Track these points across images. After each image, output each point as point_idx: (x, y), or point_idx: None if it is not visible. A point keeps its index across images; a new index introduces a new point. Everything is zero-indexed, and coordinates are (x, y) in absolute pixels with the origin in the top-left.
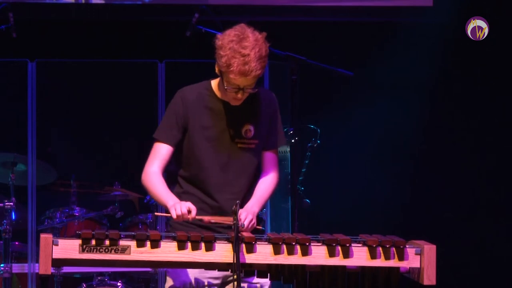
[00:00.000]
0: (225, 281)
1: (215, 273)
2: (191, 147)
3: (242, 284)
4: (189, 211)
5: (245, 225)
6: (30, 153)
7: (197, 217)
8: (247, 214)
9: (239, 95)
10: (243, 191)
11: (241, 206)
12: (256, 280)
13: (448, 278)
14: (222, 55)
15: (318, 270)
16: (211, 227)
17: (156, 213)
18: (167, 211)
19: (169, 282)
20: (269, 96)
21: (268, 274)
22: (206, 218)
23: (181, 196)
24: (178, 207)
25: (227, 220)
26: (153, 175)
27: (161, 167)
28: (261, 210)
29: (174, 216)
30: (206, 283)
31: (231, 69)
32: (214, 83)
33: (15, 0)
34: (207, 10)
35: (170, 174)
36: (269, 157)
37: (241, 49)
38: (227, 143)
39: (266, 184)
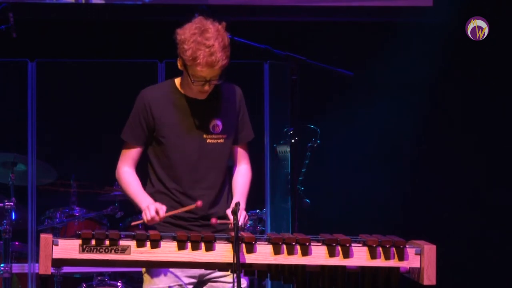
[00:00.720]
0: (201, 280)
1: (191, 271)
2: (160, 146)
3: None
4: (157, 212)
5: (241, 222)
6: (30, 153)
7: (166, 214)
8: (240, 212)
9: (206, 87)
10: (217, 186)
11: (217, 202)
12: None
13: (448, 278)
14: (186, 48)
15: (318, 270)
16: (184, 226)
17: (133, 223)
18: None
19: (146, 281)
20: (233, 90)
21: (268, 274)
22: (172, 212)
23: (154, 195)
24: (147, 211)
25: (190, 207)
26: (125, 174)
27: (131, 166)
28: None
29: (145, 221)
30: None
31: (198, 61)
32: (177, 81)
33: (15, 0)
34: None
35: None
36: (240, 151)
37: (205, 41)
38: (195, 139)
39: (244, 178)
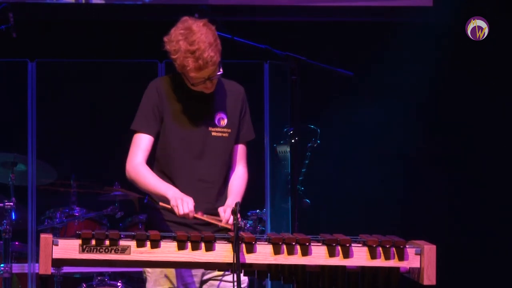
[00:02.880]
0: (203, 279)
1: (194, 270)
2: (166, 137)
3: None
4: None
5: (231, 222)
6: (30, 153)
7: (196, 215)
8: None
9: (208, 84)
10: (219, 181)
11: (220, 196)
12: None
13: (448, 278)
14: (175, 58)
15: (318, 270)
16: (189, 224)
17: (161, 204)
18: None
19: (150, 281)
20: (237, 88)
21: (268, 274)
22: (199, 215)
23: None
24: (180, 204)
25: (218, 221)
26: (140, 166)
27: (145, 158)
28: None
29: (179, 213)
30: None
31: (188, 69)
32: None
33: (15, 0)
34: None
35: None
36: (239, 150)
37: (189, 47)
38: (201, 131)
39: (240, 180)
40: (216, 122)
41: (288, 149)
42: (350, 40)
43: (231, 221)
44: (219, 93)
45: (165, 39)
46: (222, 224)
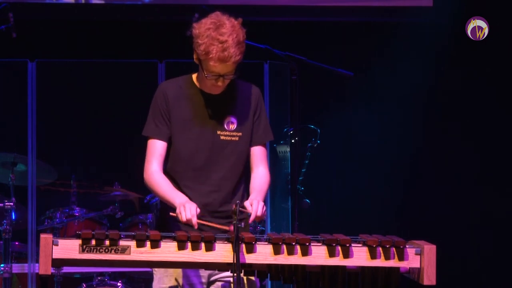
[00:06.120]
0: (210, 280)
1: (201, 271)
2: (174, 141)
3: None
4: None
5: (261, 213)
6: (30, 153)
7: (198, 221)
8: (258, 202)
9: (219, 83)
10: (227, 185)
11: (228, 200)
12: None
13: (448, 278)
14: (200, 43)
15: (318, 270)
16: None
17: (171, 213)
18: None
19: (156, 280)
20: (251, 90)
21: (268, 274)
22: (204, 221)
23: None
24: (183, 211)
25: (224, 227)
26: (155, 174)
27: (160, 164)
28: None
29: (182, 219)
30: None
31: (210, 56)
32: (194, 76)
33: (15, 0)
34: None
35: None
36: (256, 152)
37: (219, 36)
38: (209, 135)
39: (262, 179)
40: (225, 125)
41: (288, 149)
42: (350, 40)
43: (259, 212)
44: (230, 96)
45: (195, 24)
46: (251, 218)
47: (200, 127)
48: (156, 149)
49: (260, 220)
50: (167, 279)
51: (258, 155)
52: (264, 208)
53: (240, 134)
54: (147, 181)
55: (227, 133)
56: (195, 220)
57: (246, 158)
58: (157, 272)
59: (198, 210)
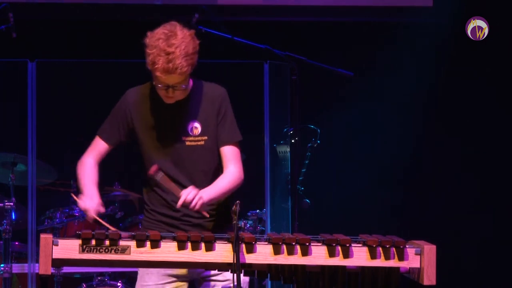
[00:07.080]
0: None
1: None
2: (142, 149)
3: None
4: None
5: (188, 200)
6: (30, 153)
7: (95, 217)
8: (196, 192)
9: (170, 93)
10: (202, 188)
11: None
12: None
13: (448, 278)
14: (149, 53)
15: (318, 270)
16: (177, 225)
17: (72, 194)
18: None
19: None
20: (214, 91)
21: (268, 274)
22: (100, 220)
23: (149, 193)
24: (84, 201)
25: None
26: (87, 165)
27: (96, 159)
28: (216, 200)
29: (79, 206)
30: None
31: (156, 66)
32: None
33: (15, 0)
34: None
35: None
36: (225, 152)
37: (166, 47)
38: (174, 142)
39: (225, 178)
40: (189, 131)
41: (288, 149)
42: (350, 40)
43: (190, 198)
44: (194, 100)
45: (148, 33)
46: (179, 203)
47: (165, 135)
48: (97, 146)
49: (194, 209)
50: (147, 276)
51: (227, 155)
52: (201, 200)
53: (205, 138)
54: (77, 169)
55: (192, 138)
56: (91, 214)
57: (218, 159)
58: (140, 271)
59: (103, 210)
